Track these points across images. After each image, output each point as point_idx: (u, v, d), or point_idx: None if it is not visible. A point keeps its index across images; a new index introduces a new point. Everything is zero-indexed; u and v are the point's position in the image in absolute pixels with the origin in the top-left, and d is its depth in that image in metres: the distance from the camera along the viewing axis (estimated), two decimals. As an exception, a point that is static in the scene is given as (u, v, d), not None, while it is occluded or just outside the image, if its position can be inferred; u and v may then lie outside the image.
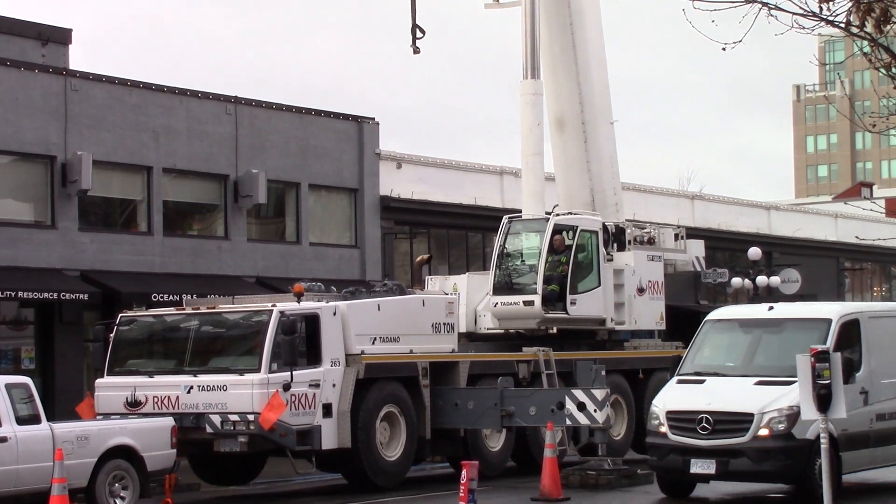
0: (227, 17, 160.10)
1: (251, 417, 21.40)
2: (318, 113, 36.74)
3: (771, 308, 21.69)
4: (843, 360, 18.14)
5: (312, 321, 22.47)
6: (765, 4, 11.75)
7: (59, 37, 34.19)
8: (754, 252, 45.51)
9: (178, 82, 34.80)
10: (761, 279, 45.40)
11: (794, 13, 11.88)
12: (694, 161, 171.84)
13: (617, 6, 64.59)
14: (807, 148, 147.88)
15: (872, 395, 20.72)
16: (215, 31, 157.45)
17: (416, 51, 29.87)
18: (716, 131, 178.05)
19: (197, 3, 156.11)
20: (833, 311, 21.17)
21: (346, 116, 37.49)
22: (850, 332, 20.82)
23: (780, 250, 53.37)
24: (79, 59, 35.68)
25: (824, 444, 16.85)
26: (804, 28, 11.99)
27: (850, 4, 12.41)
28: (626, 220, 30.09)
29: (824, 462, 17.26)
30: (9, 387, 19.13)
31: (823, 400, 16.45)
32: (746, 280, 45.45)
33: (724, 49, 12.51)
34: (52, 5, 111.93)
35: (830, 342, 19.93)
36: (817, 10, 11.94)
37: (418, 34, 29.78)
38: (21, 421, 18.93)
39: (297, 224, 35.99)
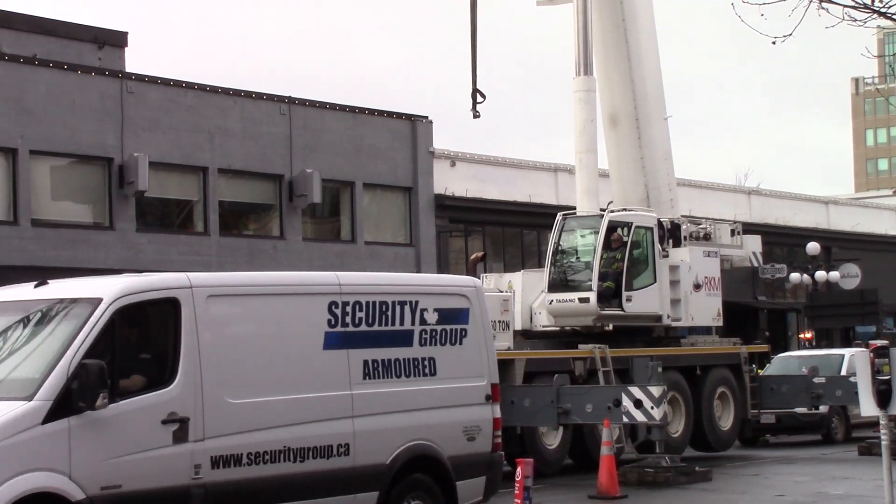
0: (279, 18, 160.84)
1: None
2: (372, 112, 36.83)
3: (40, 284, 13.34)
4: (93, 370, 11.89)
5: (367, 320, 22.38)
6: (815, -4, 11.62)
7: (116, 40, 34.49)
8: (813, 247, 45.14)
9: (233, 83, 34.98)
10: (820, 274, 45.03)
11: (845, 5, 11.73)
12: (750, 156, 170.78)
13: (669, 1, 64.31)
14: (866, 141, 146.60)
15: (204, 426, 12.84)
16: (268, 32, 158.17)
17: (477, 115, 29.60)
18: (772, 126, 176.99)
19: (249, 4, 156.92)
20: (111, 287, 12.78)
21: (399, 115, 37.55)
22: (152, 321, 13.05)
23: (840, 245, 52.89)
24: (134, 61, 36.03)
25: (885, 440, 16.49)
26: (856, 21, 11.85)
27: (903, -5, 12.26)
28: (682, 216, 29.90)
29: (886, 472, 16.80)
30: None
31: (884, 396, 16.24)
32: (805, 275, 45.10)
33: (773, 43, 12.40)
34: (107, 9, 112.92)
35: (85, 338, 12.24)
36: (869, 2, 11.79)
37: (479, 98, 29.59)
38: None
39: (352, 223, 36.09)
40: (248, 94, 33.88)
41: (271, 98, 34.35)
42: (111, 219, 30.84)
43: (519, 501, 15.84)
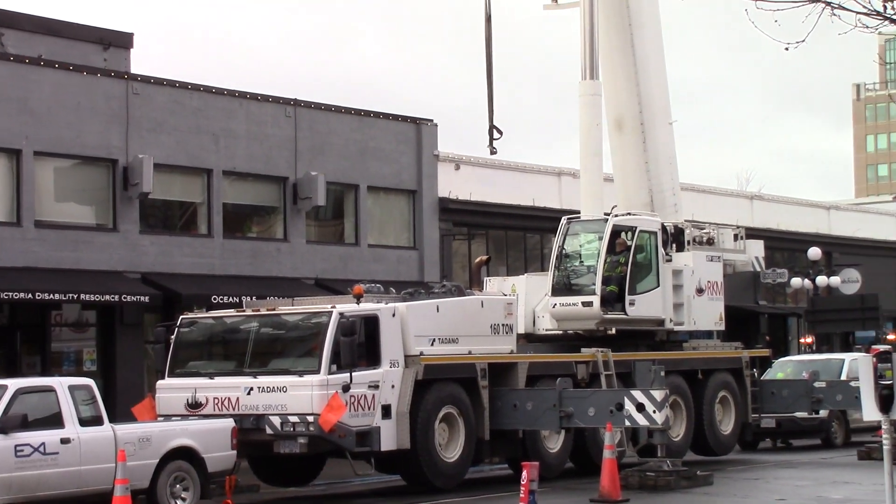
0: (284, 20, 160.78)
1: (311, 419, 21.48)
2: (377, 115, 36.86)
3: None
4: None
5: (372, 322, 22.53)
6: (828, 4, 11.67)
7: (121, 41, 34.51)
8: (814, 252, 45.21)
9: (238, 85, 35.01)
10: (821, 279, 45.12)
11: (857, 12, 11.79)
12: (752, 161, 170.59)
13: (674, 7, 64.38)
14: (867, 147, 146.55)
15: None
16: (274, 34, 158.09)
17: (493, 151, 29.69)
18: (773, 131, 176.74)
19: (255, 5, 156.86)
20: None
21: (404, 118, 37.59)
22: None
23: (841, 250, 52.96)
24: (140, 63, 35.99)
25: (887, 445, 16.53)
26: (867, 27, 11.91)
27: (913, 3, 12.30)
28: (685, 221, 29.97)
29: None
30: (71, 388, 19.31)
31: (886, 400, 16.31)
32: (806, 280, 45.17)
33: (786, 49, 12.46)
34: (113, 10, 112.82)
35: None
36: (881, 10, 11.85)
37: (496, 135, 29.67)
38: (84, 422, 19.09)
39: (356, 226, 36.12)
40: (254, 96, 33.91)
41: (276, 100, 34.38)
42: (115, 220, 30.85)
43: (524, 504, 15.90)
